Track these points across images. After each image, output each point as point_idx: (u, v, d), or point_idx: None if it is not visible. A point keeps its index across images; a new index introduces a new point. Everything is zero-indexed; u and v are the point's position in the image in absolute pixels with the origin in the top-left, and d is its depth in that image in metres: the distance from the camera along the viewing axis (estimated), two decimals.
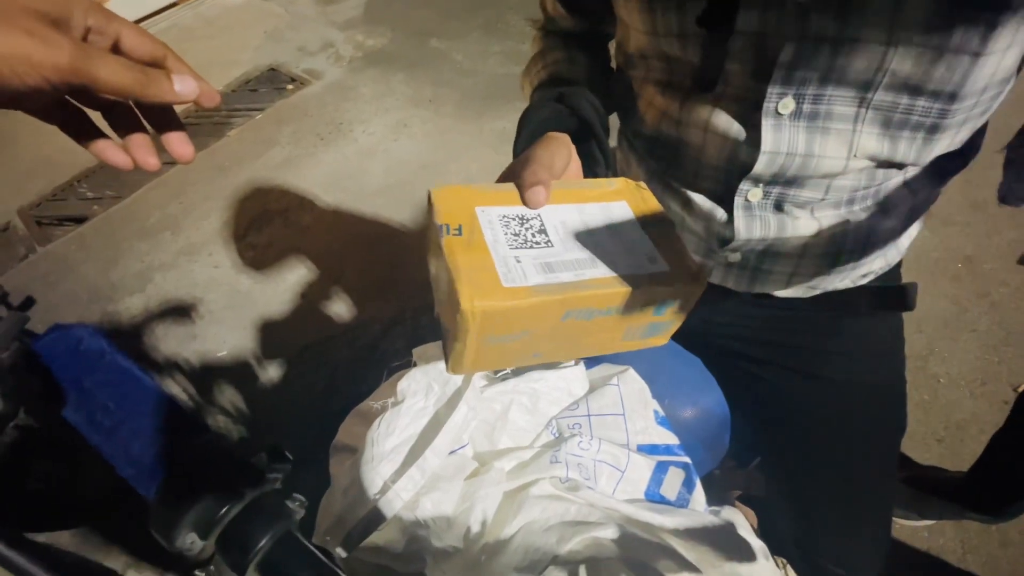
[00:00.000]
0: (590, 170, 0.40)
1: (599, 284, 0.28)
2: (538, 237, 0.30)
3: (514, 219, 0.30)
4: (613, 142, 0.54)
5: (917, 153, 0.39)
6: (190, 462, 0.25)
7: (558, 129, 0.39)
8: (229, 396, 1.23)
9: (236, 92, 1.98)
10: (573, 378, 0.50)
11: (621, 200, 0.33)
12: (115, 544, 1.07)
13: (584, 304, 0.28)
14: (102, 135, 0.28)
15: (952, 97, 0.35)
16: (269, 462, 0.26)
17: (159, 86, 0.24)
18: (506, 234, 0.29)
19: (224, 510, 0.23)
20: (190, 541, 0.23)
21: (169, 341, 1.34)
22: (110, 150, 0.27)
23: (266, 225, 1.56)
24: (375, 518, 0.38)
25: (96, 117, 0.28)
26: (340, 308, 1.38)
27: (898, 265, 0.53)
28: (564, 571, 0.39)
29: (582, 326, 0.30)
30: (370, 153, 1.76)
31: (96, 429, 0.31)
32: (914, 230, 0.50)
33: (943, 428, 1.09)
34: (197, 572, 0.24)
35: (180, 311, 1.39)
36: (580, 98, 0.43)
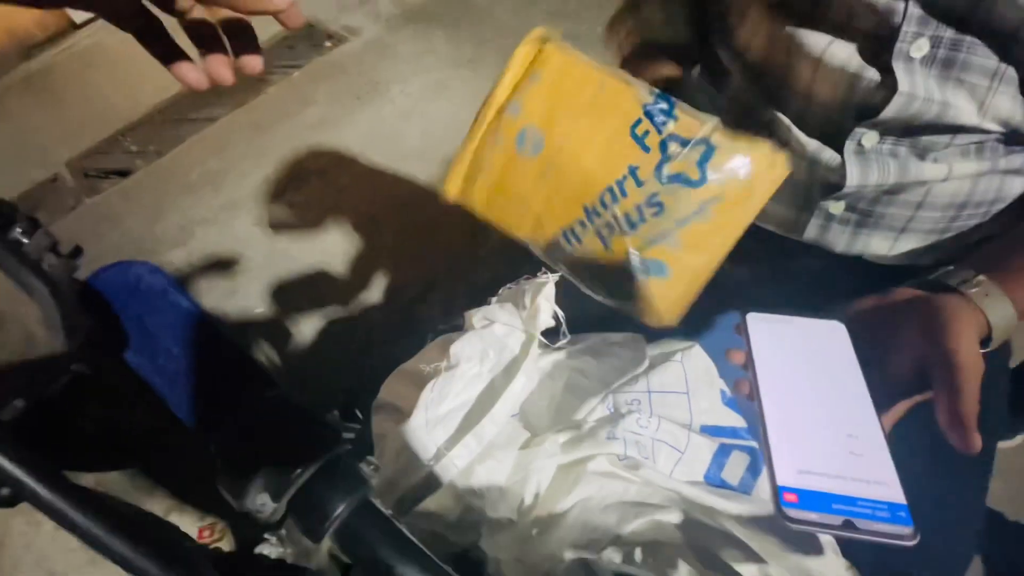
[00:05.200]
0: None
1: None
2: None
3: None
4: None
5: None
6: (261, 417, 0.24)
7: None
8: (266, 351, 1.25)
9: (274, 49, 1.95)
10: (632, 352, 0.47)
11: None
12: (159, 486, 1.11)
13: None
14: (179, 52, 0.27)
15: None
16: (342, 420, 0.24)
17: None
18: None
19: (298, 471, 0.21)
20: (260, 502, 0.21)
21: (210, 295, 1.36)
22: (184, 67, 0.26)
23: (304, 184, 1.55)
24: (429, 484, 0.36)
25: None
26: (376, 269, 1.37)
27: None
28: (620, 553, 0.38)
29: None
30: (407, 114, 1.72)
31: (159, 374, 0.29)
32: None
33: None
34: (267, 535, 0.23)
35: (220, 266, 1.41)
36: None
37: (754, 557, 0.38)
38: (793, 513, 0.23)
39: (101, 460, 1.06)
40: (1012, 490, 0.87)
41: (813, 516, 0.23)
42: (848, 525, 0.23)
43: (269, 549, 0.23)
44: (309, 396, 1.19)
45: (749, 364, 0.31)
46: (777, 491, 0.24)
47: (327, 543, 0.21)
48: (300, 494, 0.21)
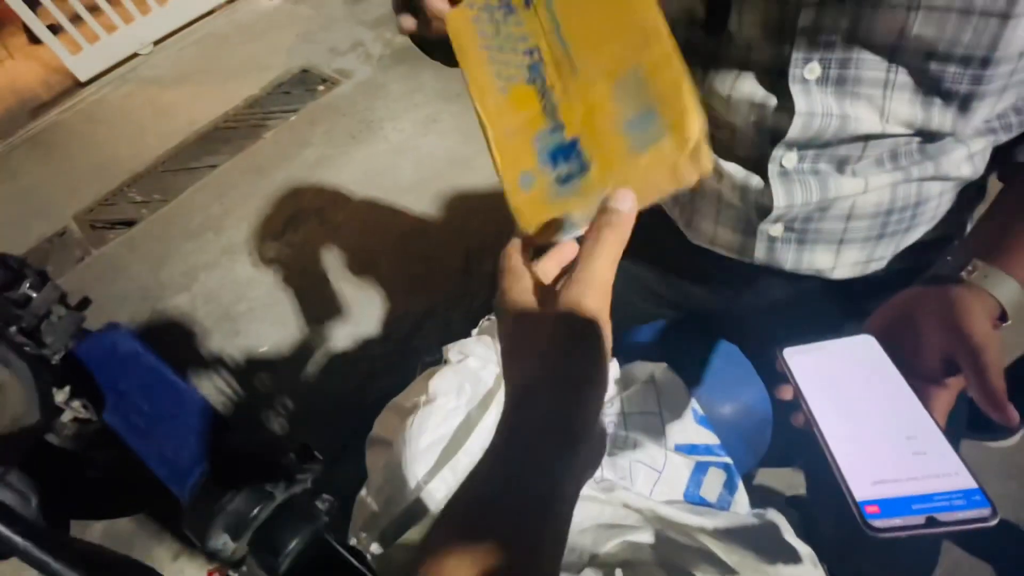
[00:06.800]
0: None
1: None
2: None
3: None
4: None
5: (954, 121, 0.37)
6: (222, 463, 0.26)
7: None
8: (270, 389, 1.27)
9: (271, 95, 2.02)
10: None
11: None
12: (168, 530, 1.12)
13: None
14: None
15: (984, 63, 0.33)
16: (298, 462, 0.26)
17: None
18: None
19: (255, 512, 0.23)
20: (222, 542, 0.23)
21: (214, 337, 1.39)
22: None
23: (302, 224, 1.60)
24: (409, 517, 0.38)
25: None
26: (374, 303, 1.40)
27: (961, 233, 0.50)
28: (600, 573, 0.39)
29: None
30: (400, 150, 1.77)
31: (132, 430, 0.32)
32: (979, 196, 0.47)
33: None
34: (231, 572, 0.25)
35: (223, 308, 1.44)
36: None
37: (729, 571, 0.39)
38: (878, 523, 0.24)
39: (110, 507, 1.07)
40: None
41: (897, 521, 0.24)
42: (932, 521, 0.24)
43: None
44: (312, 432, 1.20)
45: (799, 396, 0.32)
46: (859, 507, 0.25)
47: None
48: (258, 533, 0.23)
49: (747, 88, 0.40)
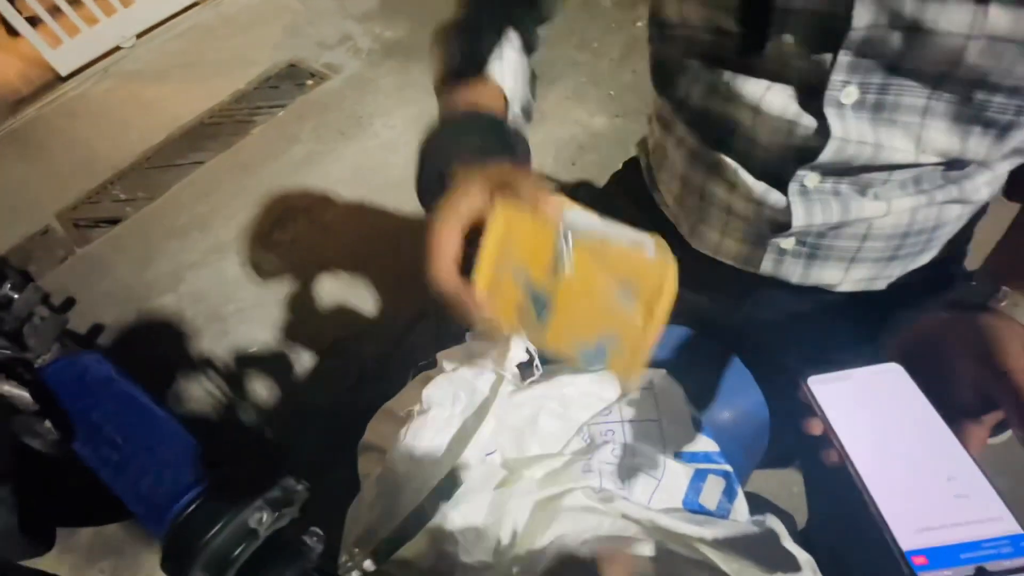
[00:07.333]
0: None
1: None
2: None
3: None
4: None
5: (988, 150, 0.36)
6: (201, 498, 0.25)
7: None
8: (260, 392, 1.25)
9: (258, 90, 1.99)
10: (604, 382, 0.48)
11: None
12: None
13: None
14: None
15: None
16: (284, 494, 0.25)
17: None
18: None
19: (238, 551, 0.22)
20: None
21: (202, 338, 1.37)
22: None
23: (291, 222, 1.57)
24: (404, 532, 0.37)
25: None
26: (366, 302, 1.38)
27: (964, 251, 0.49)
28: None
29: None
30: (391, 146, 1.75)
31: (105, 465, 0.30)
32: (983, 213, 0.46)
33: None
34: None
35: (211, 308, 1.42)
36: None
37: None
38: None
39: (97, 513, 1.05)
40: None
41: (947, 573, 0.23)
42: (981, 572, 0.23)
43: None
44: (302, 433, 1.19)
45: (829, 432, 0.30)
46: (905, 557, 0.24)
47: None
48: (240, 573, 0.22)
49: (778, 103, 0.38)
